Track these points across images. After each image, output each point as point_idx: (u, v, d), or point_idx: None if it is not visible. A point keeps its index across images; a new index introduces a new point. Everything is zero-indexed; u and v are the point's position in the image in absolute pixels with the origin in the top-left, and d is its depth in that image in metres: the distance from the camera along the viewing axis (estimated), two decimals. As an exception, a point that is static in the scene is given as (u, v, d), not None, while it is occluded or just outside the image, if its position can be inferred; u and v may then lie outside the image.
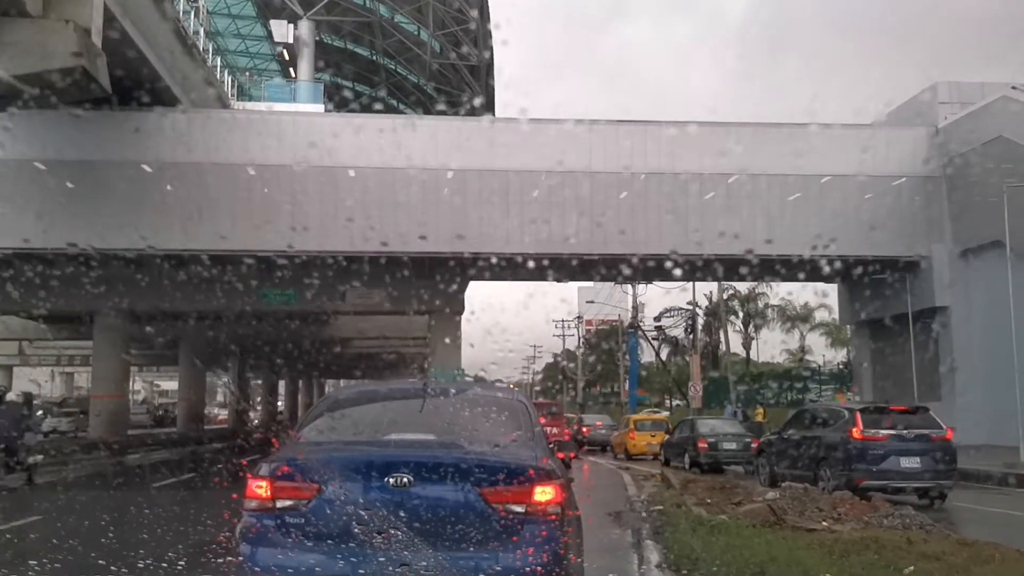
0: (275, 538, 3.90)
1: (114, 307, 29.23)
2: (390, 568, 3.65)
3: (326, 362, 58.69)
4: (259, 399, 69.26)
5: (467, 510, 3.87)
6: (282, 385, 74.01)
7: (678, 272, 27.21)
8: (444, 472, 3.95)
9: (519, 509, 3.90)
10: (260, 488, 4.00)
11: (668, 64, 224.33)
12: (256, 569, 3.87)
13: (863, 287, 29.14)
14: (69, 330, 40.51)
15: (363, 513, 3.76)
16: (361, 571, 3.66)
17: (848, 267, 27.23)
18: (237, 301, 29.64)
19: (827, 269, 26.78)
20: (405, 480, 3.85)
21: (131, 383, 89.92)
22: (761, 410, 32.56)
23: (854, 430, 12.88)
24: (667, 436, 24.26)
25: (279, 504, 3.94)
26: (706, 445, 20.29)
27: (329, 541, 3.80)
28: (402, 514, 3.78)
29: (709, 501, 10.26)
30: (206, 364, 45.13)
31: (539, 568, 3.80)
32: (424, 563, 3.65)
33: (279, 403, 70.18)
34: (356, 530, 3.75)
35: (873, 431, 12.88)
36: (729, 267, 26.79)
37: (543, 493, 3.95)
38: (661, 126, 25.98)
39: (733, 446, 20.06)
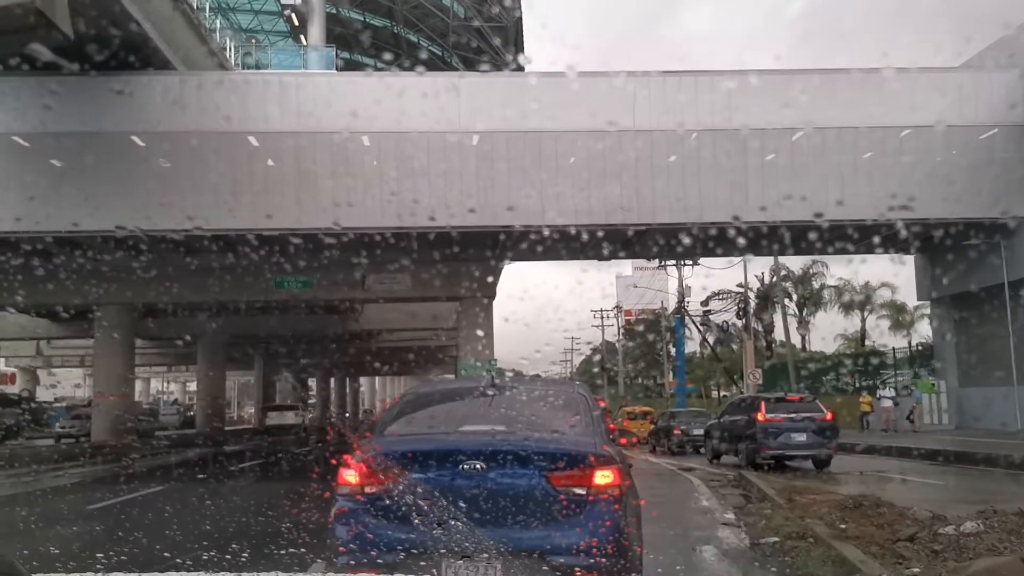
0: (367, 514, 4.42)
1: (113, 300, 26.83)
2: (464, 544, 4.04)
3: (353, 358, 56.27)
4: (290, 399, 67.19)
5: (533, 493, 4.24)
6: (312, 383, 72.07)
7: (738, 242, 23.96)
8: (512, 459, 4.32)
9: (581, 492, 4.25)
10: (351, 475, 4.54)
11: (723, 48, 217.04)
12: (351, 534, 4.37)
13: (946, 255, 25.80)
14: (81, 329, 38.13)
15: (443, 494, 4.20)
16: (439, 544, 4.07)
17: (929, 232, 23.92)
18: (247, 290, 27.16)
19: (904, 234, 23.73)
20: (478, 466, 4.26)
21: (163, 384, 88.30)
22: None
23: (759, 415, 16.57)
24: (652, 425, 27.66)
25: (367, 490, 4.45)
26: (680, 432, 23.93)
27: (412, 517, 4.19)
28: (476, 496, 4.21)
29: (843, 527, 7.15)
30: (228, 362, 42.74)
31: (600, 547, 4.12)
32: (494, 541, 4.05)
33: (310, 401, 68.16)
34: (436, 508, 4.16)
35: (773, 415, 16.55)
36: (795, 235, 23.59)
37: (603, 477, 4.29)
38: (716, 76, 22.79)
39: (701, 432, 21.97)
